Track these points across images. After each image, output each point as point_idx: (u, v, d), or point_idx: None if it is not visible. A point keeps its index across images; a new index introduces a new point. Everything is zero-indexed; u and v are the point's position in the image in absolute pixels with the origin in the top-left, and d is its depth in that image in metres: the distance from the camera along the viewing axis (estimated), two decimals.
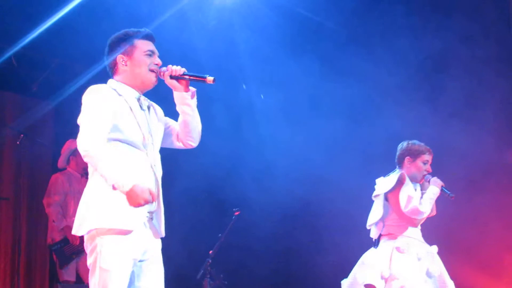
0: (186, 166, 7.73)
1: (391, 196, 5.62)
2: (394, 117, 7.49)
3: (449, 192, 5.59)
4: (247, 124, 8.07)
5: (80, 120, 3.65)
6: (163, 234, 3.82)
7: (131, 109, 3.73)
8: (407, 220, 5.53)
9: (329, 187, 7.77)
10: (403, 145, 5.78)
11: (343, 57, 7.72)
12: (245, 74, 8.08)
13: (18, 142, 7.14)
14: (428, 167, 5.69)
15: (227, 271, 7.75)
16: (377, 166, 6.88)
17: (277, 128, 8.12)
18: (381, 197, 5.65)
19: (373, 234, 5.69)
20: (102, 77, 7.52)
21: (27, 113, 7.87)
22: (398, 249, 5.46)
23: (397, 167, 5.78)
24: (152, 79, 3.83)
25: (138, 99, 3.81)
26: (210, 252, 6.63)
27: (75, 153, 7.39)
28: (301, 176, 7.96)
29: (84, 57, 7.42)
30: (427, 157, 5.69)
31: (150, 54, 3.84)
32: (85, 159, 3.55)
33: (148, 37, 3.88)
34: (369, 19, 7.75)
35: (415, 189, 5.67)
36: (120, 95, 3.74)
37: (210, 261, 6.61)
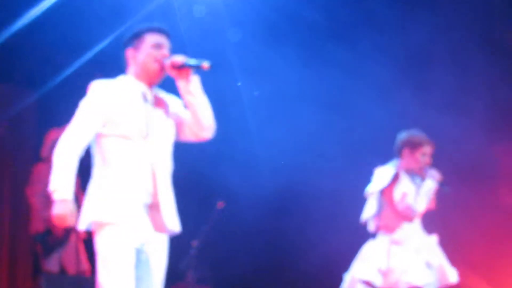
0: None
1: (385, 192, 5.54)
2: (380, 108, 7.49)
3: (446, 187, 5.49)
4: (232, 115, 8.06)
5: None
6: (168, 229, 3.86)
7: (127, 103, 3.79)
8: (402, 216, 5.46)
9: (315, 178, 7.79)
10: (402, 135, 5.63)
11: (327, 48, 7.71)
12: (230, 65, 8.06)
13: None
14: (427, 159, 5.54)
15: (211, 263, 7.77)
16: (363, 156, 6.93)
17: (262, 118, 8.12)
18: (376, 193, 5.59)
19: (371, 227, 5.63)
20: (88, 68, 7.54)
21: (10, 102, 7.84)
22: (395, 241, 5.41)
23: (396, 157, 5.66)
24: (156, 70, 3.88)
25: (143, 93, 3.86)
26: (193, 243, 6.65)
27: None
28: (287, 167, 7.96)
29: (68, 47, 7.40)
30: (427, 149, 5.53)
31: (157, 46, 3.90)
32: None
33: (157, 29, 3.95)
34: (353, 10, 7.75)
35: (415, 182, 5.57)
36: (120, 88, 3.82)
37: (193, 252, 6.63)
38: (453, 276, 5.43)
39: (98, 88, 3.82)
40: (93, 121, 3.75)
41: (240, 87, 8.10)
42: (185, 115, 4.01)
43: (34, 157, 7.99)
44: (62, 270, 7.24)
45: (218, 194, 7.38)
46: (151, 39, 3.90)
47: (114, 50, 7.43)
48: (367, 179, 6.94)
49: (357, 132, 7.70)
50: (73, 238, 7.21)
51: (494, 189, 7.38)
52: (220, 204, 7.17)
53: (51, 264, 7.19)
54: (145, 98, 3.87)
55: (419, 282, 5.30)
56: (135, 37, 3.93)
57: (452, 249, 6.59)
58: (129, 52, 3.93)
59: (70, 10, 6.91)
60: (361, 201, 7.64)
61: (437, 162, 6.49)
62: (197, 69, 3.87)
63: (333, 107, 7.83)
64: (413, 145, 5.55)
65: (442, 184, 5.49)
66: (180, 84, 3.90)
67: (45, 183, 7.11)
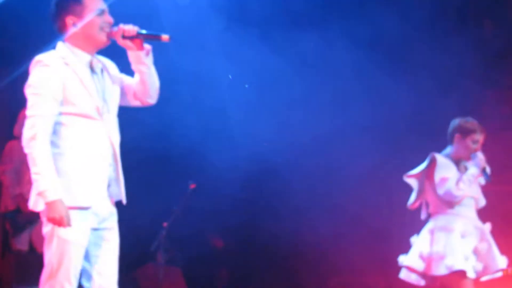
0: (141, 135, 7.71)
1: (427, 176, 5.57)
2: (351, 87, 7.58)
3: (487, 176, 5.48)
4: (209, 92, 8.08)
5: (27, 102, 3.62)
6: (124, 200, 3.85)
7: (80, 80, 3.65)
8: (443, 201, 5.48)
9: (296, 151, 7.84)
10: (455, 122, 5.65)
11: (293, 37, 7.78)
12: (208, 49, 8.05)
13: None
14: (477, 146, 5.53)
15: (181, 244, 7.79)
16: (340, 134, 7.03)
17: (240, 94, 8.13)
18: (415, 178, 5.62)
19: (422, 215, 5.69)
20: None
21: None
22: (439, 227, 5.45)
23: (449, 144, 5.68)
24: (103, 39, 3.74)
25: (90, 63, 3.74)
26: (164, 224, 6.67)
27: None
28: (262, 147, 7.98)
29: (46, 25, 7.34)
30: (478, 136, 5.54)
31: (101, 12, 3.74)
32: (25, 152, 3.57)
33: None
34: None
35: (466, 167, 5.55)
36: (67, 64, 3.65)
37: (164, 233, 6.65)
38: (502, 262, 5.43)
39: (48, 65, 3.64)
40: (56, 104, 3.61)
41: (218, 67, 8.08)
42: (128, 80, 3.93)
43: (7, 135, 7.97)
44: (32, 249, 7.17)
45: (189, 175, 7.41)
46: (92, 4, 3.73)
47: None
48: (342, 157, 7.06)
49: (332, 108, 7.77)
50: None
51: None
52: (192, 186, 7.21)
53: (21, 243, 7.14)
54: (92, 69, 3.75)
55: (459, 266, 5.30)
56: (74, 2, 3.73)
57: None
58: (68, 19, 3.71)
59: None
60: (341, 178, 7.77)
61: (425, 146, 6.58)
62: (155, 40, 3.76)
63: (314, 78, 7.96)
64: (465, 131, 5.57)
65: (485, 172, 5.47)
66: (132, 54, 3.79)
67: (17, 160, 7.20)
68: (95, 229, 3.73)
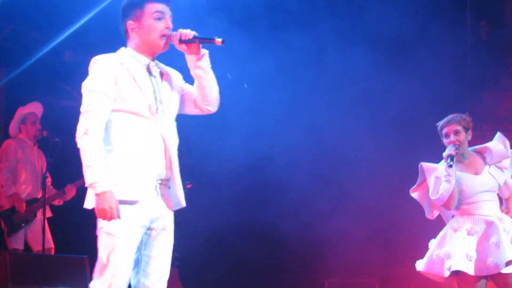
0: None
1: (425, 186, 5.46)
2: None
3: (450, 162, 5.21)
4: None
5: (82, 99, 3.62)
6: (183, 204, 3.82)
7: (134, 78, 3.65)
8: (440, 206, 5.40)
9: (293, 154, 7.87)
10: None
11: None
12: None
13: None
14: (451, 138, 5.33)
15: (177, 243, 7.77)
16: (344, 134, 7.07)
17: (239, 94, 8.14)
18: (418, 191, 5.51)
19: (446, 221, 5.56)
20: (58, 48, 7.48)
21: None
22: (450, 228, 5.36)
23: None
24: (162, 44, 3.73)
25: (148, 66, 3.74)
26: None
27: (24, 121, 7.38)
28: (258, 130, 7.98)
29: (40, 24, 7.36)
30: (445, 130, 5.38)
31: (160, 17, 3.72)
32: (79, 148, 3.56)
33: None
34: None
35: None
36: (122, 63, 3.66)
37: None
38: (510, 255, 5.17)
39: (103, 64, 3.64)
40: (108, 101, 3.59)
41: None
42: (189, 88, 3.91)
43: (3, 135, 7.98)
44: (27, 248, 7.23)
45: (185, 175, 7.40)
46: (152, 8, 3.72)
47: (85, 31, 7.54)
48: (340, 158, 7.07)
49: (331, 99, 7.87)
50: (39, 216, 7.19)
51: None
52: (188, 185, 7.19)
53: (16, 242, 7.17)
54: (149, 72, 3.74)
55: (457, 267, 5.17)
56: (135, 7, 3.73)
57: None
58: (129, 24, 3.73)
59: None
60: (340, 178, 7.77)
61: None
62: (209, 44, 3.73)
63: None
64: (440, 133, 5.45)
65: (448, 160, 5.24)
66: (189, 58, 3.77)
67: (12, 159, 7.21)
68: (147, 228, 3.69)
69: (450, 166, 5.16)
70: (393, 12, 7.66)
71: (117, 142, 3.62)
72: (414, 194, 5.53)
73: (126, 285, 3.62)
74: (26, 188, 7.28)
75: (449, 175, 5.19)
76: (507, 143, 5.39)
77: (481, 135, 6.98)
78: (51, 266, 6.33)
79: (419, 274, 6.63)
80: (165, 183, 3.74)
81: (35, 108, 7.45)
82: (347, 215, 7.84)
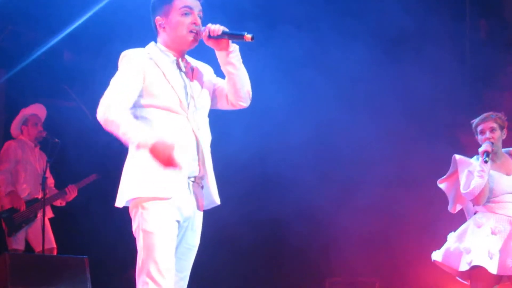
0: None
1: (455, 179, 5.53)
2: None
3: (486, 157, 5.29)
4: None
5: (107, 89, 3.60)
6: (217, 202, 3.79)
7: (163, 73, 3.63)
8: (470, 200, 5.46)
9: (294, 152, 7.90)
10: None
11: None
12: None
13: None
14: (485, 136, 5.43)
15: None
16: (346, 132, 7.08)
17: None
18: (446, 182, 5.59)
19: (467, 217, 5.63)
20: (57, 49, 7.50)
21: None
22: (473, 224, 5.41)
23: None
24: (190, 39, 3.70)
25: (177, 61, 3.71)
26: None
27: (26, 122, 7.39)
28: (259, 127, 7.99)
29: (38, 25, 7.39)
30: (481, 126, 5.47)
31: (187, 12, 3.69)
32: (106, 128, 3.49)
33: None
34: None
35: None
36: (151, 58, 3.64)
37: None
38: None
39: (132, 59, 3.64)
40: (133, 88, 3.57)
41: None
42: (221, 83, 3.88)
43: (3, 136, 8.01)
44: (28, 248, 7.24)
45: None
46: (180, 3, 3.69)
47: (83, 31, 7.56)
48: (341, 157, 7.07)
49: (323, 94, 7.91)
50: (39, 216, 7.18)
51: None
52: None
53: (16, 242, 7.17)
54: (179, 68, 3.72)
55: (478, 262, 5.21)
56: (164, 3, 3.71)
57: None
58: (157, 20, 3.72)
59: None
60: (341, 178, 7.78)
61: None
62: (239, 40, 3.68)
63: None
64: (474, 130, 5.54)
65: (485, 155, 5.31)
66: (219, 54, 3.73)
67: (12, 160, 7.23)
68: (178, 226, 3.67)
69: (486, 162, 5.26)
70: (394, 8, 7.66)
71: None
72: (442, 185, 5.62)
73: (173, 280, 3.57)
74: (26, 188, 7.29)
75: (483, 170, 5.27)
76: None
77: None
78: (51, 266, 6.30)
79: (418, 273, 6.66)
80: (198, 181, 3.69)
81: (37, 110, 7.46)
82: (350, 213, 7.84)
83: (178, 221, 3.60)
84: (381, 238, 8.02)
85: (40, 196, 7.24)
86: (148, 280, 3.50)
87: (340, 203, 7.96)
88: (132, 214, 3.59)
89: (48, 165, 7.30)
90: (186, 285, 3.75)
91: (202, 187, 3.72)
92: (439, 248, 5.55)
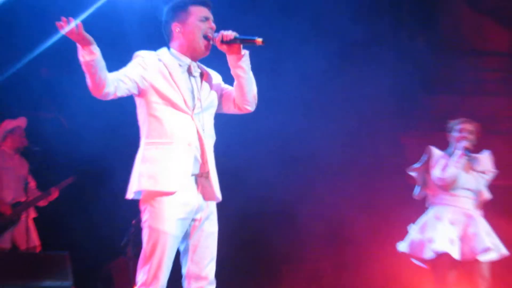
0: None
1: (426, 169, 6.10)
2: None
3: (466, 152, 5.97)
4: None
5: None
6: (219, 198, 3.89)
7: (170, 73, 3.77)
8: (439, 187, 5.98)
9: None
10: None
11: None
12: None
13: None
14: (462, 135, 6.01)
15: None
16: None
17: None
18: (417, 171, 6.14)
19: (427, 205, 6.16)
20: (40, 61, 7.70)
21: None
22: (433, 216, 5.95)
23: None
24: (204, 45, 3.84)
25: (188, 67, 3.84)
26: (133, 221, 6.92)
27: (12, 131, 7.66)
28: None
29: (26, 34, 7.41)
30: (460, 126, 6.06)
31: (204, 19, 3.84)
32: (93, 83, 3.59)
33: (203, 3, 3.88)
34: None
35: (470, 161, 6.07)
36: (160, 60, 3.79)
37: (133, 229, 6.93)
38: (487, 242, 5.81)
39: (143, 57, 3.78)
40: (132, 77, 3.70)
41: None
42: (228, 89, 3.99)
43: None
44: (14, 247, 7.47)
45: None
46: (197, 11, 3.83)
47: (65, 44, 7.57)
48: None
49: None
50: (23, 217, 7.47)
51: None
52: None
53: (3, 241, 7.40)
54: (190, 72, 3.85)
55: (443, 249, 5.77)
56: (180, 10, 3.84)
57: None
58: (175, 26, 3.84)
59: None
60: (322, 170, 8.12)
61: None
62: (250, 44, 3.80)
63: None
64: (452, 128, 6.13)
65: (467, 151, 5.96)
66: (230, 58, 3.83)
67: None
68: (192, 220, 3.80)
69: (465, 155, 5.92)
70: (345, 15, 7.96)
71: (154, 135, 3.75)
72: (413, 173, 6.18)
73: (167, 276, 3.74)
74: (10, 193, 7.52)
75: (459, 162, 5.90)
76: (492, 162, 6.15)
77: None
78: (33, 263, 6.56)
79: (369, 260, 7.22)
80: (201, 177, 3.83)
81: (22, 122, 7.74)
82: (310, 205, 8.10)
83: (186, 219, 3.75)
84: (334, 226, 8.19)
85: (23, 199, 7.52)
86: (146, 272, 3.69)
87: (301, 196, 8.19)
88: (141, 208, 3.76)
89: (29, 171, 7.63)
90: (215, 265, 3.91)
91: (206, 178, 3.84)
92: (400, 239, 6.10)
